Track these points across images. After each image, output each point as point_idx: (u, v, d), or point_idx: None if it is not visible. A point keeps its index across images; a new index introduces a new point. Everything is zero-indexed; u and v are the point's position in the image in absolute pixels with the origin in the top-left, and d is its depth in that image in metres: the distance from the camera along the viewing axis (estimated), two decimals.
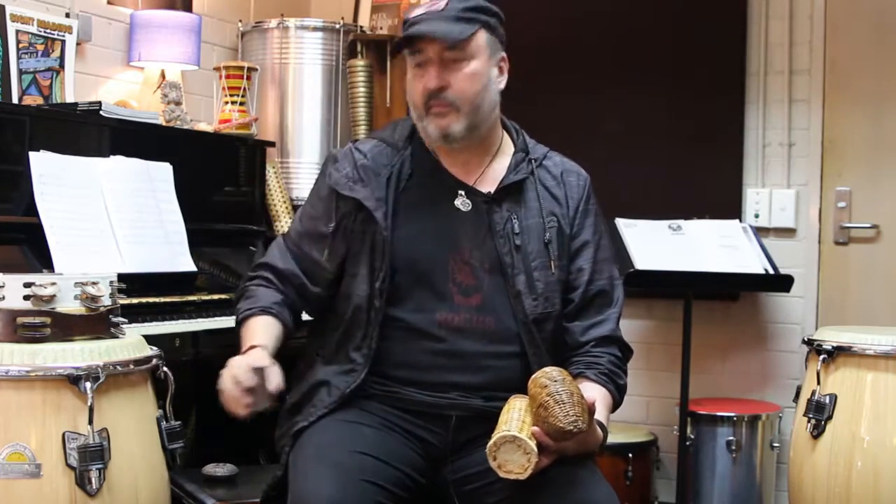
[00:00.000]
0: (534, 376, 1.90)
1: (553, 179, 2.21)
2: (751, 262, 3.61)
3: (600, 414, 2.03)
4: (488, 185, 2.16)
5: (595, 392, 2.06)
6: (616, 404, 2.15)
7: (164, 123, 3.33)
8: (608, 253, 2.23)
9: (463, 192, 2.15)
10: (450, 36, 2.05)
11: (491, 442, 1.86)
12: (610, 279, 2.21)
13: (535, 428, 1.87)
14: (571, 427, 1.84)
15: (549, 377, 1.87)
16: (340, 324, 2.13)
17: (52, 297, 1.93)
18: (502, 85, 2.17)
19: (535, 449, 1.85)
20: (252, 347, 2.03)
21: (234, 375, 1.92)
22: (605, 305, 2.19)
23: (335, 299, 2.17)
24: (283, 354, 2.96)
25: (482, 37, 2.11)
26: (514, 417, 1.90)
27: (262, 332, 2.09)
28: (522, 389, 1.96)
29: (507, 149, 2.22)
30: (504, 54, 2.17)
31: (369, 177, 2.13)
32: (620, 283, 2.24)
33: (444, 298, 2.08)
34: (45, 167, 2.68)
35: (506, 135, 2.24)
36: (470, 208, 2.14)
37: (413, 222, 2.12)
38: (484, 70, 2.11)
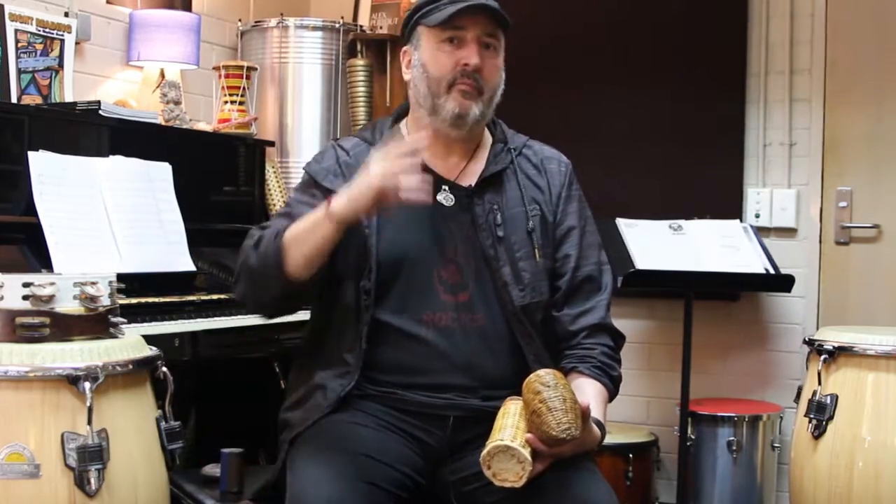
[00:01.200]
0: (527, 380, 1.89)
1: (534, 168, 2.20)
2: (751, 262, 3.61)
3: (597, 411, 2.02)
4: (469, 179, 2.15)
5: (590, 390, 2.05)
6: (612, 396, 2.14)
7: (163, 123, 3.32)
8: (594, 238, 2.21)
9: (446, 187, 2.13)
10: (501, 12, 2.08)
11: (485, 451, 1.85)
12: (598, 265, 2.19)
13: (529, 435, 1.86)
14: (564, 435, 1.83)
15: (542, 382, 1.86)
16: (331, 326, 2.12)
17: (51, 297, 1.92)
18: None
19: (529, 457, 1.84)
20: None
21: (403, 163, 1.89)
22: (594, 292, 2.17)
23: (323, 301, 2.16)
24: (282, 355, 2.96)
25: (503, 39, 2.15)
26: (508, 424, 1.88)
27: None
28: (518, 384, 1.94)
29: (487, 142, 2.22)
30: None
31: (351, 173, 2.11)
32: (608, 269, 2.22)
33: (429, 297, 2.07)
34: (44, 167, 2.67)
35: (485, 128, 2.23)
36: (453, 203, 2.12)
37: (396, 220, 2.09)
38: (502, 67, 2.15)
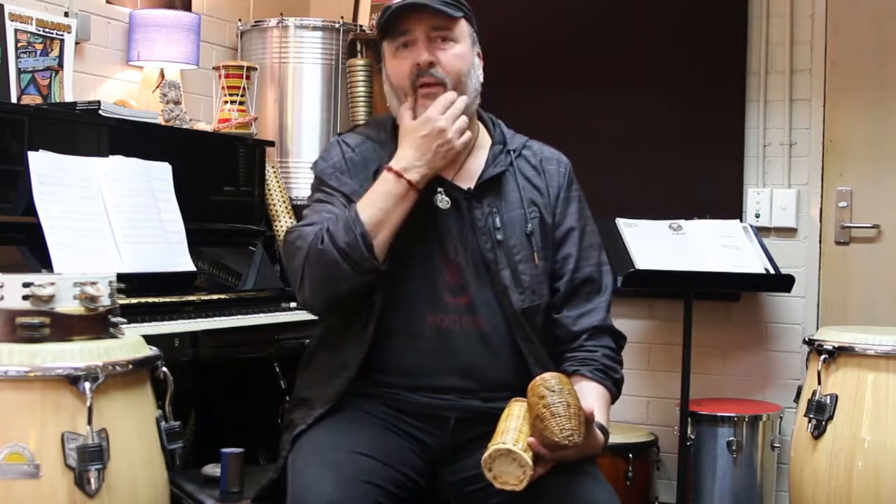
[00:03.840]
0: (532, 383, 1.88)
1: (533, 169, 2.19)
2: (751, 261, 3.60)
3: (600, 416, 2.01)
4: (468, 181, 2.13)
5: (593, 395, 2.05)
6: (614, 398, 2.13)
7: (163, 123, 3.32)
8: (595, 239, 2.20)
9: (441, 190, 2.12)
10: (441, 7, 2.07)
11: (486, 454, 1.85)
12: (598, 266, 2.18)
13: (532, 439, 1.86)
14: (567, 441, 1.83)
15: (546, 386, 1.85)
16: (336, 327, 2.12)
17: (51, 297, 1.92)
18: (482, 77, 2.17)
19: (531, 462, 1.83)
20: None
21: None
22: (594, 293, 2.16)
23: None
24: (282, 355, 2.95)
25: (465, 24, 2.13)
26: (511, 427, 1.88)
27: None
28: (519, 387, 1.94)
29: (485, 142, 2.20)
30: (479, 51, 2.18)
31: (357, 170, 2.12)
32: (609, 271, 2.21)
33: (432, 299, 2.07)
34: (44, 167, 2.67)
35: (482, 127, 2.22)
36: (449, 206, 2.11)
37: None
38: (469, 54, 2.13)
